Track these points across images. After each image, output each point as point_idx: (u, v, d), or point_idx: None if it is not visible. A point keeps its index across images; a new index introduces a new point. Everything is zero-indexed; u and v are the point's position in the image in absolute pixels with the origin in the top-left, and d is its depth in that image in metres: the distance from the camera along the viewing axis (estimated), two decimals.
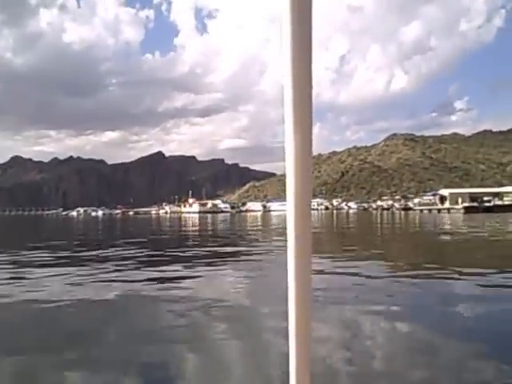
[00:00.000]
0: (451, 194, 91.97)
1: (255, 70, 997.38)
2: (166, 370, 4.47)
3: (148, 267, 11.59)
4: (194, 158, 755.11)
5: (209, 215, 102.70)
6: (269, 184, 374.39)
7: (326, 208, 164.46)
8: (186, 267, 11.50)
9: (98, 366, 4.61)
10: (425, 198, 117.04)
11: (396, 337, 5.58)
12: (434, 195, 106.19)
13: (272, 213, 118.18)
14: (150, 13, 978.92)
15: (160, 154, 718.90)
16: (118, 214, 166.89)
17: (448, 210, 78.50)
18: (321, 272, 10.11)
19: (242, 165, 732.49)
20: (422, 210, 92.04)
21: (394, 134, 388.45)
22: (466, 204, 76.51)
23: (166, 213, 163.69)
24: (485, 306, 7.03)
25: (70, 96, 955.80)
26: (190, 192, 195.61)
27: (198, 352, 4.97)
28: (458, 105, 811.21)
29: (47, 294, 8.12)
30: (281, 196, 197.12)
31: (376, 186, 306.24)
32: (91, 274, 10.33)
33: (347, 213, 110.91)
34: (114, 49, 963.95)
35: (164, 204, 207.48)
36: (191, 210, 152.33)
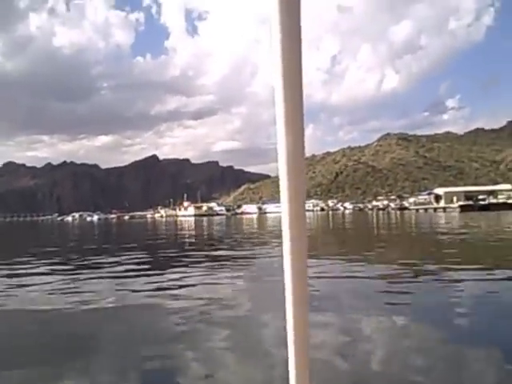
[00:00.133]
0: (446, 192, 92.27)
1: (247, 72, 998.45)
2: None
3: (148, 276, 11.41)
4: (188, 160, 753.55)
5: (204, 218, 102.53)
6: (264, 186, 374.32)
7: (322, 209, 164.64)
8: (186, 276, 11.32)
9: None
10: (420, 197, 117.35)
11: None
12: (429, 194, 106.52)
13: (268, 215, 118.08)
14: (140, 16, 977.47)
15: (154, 157, 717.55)
16: (113, 218, 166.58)
17: (444, 209, 78.74)
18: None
19: (236, 167, 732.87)
20: (417, 210, 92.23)
21: (388, 134, 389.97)
22: (461, 203, 76.78)
23: (162, 216, 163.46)
24: None
25: (61, 100, 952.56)
26: (185, 195, 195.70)
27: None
28: (450, 103, 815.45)
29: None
30: (276, 198, 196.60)
31: (371, 186, 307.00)
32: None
33: (343, 213, 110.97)
34: (105, 52, 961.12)
35: (159, 208, 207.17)
36: (187, 214, 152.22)
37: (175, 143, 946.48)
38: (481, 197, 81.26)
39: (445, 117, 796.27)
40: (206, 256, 15.86)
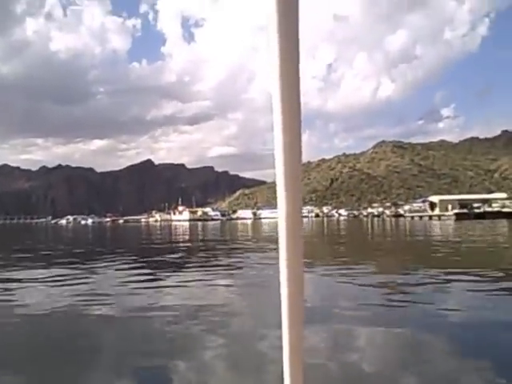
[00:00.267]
0: (441, 200, 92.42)
1: (243, 78, 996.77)
2: None
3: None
4: (183, 165, 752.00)
5: (199, 223, 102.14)
6: (259, 191, 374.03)
7: (317, 215, 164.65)
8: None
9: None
10: (415, 204, 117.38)
11: None
12: (423, 202, 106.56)
13: (263, 220, 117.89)
14: (137, 22, 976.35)
15: (149, 161, 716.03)
16: (107, 222, 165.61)
17: (439, 216, 78.79)
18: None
19: (231, 172, 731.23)
20: (412, 217, 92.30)
21: (383, 142, 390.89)
22: (456, 210, 76.86)
23: (156, 221, 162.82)
24: None
25: (57, 104, 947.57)
26: (180, 200, 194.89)
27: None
28: (445, 112, 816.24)
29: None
30: (271, 203, 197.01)
31: (366, 193, 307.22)
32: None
33: (338, 220, 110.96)
34: (101, 57, 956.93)
35: (154, 212, 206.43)
36: (181, 218, 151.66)
37: (171, 148, 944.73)
38: (475, 205, 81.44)
39: (440, 125, 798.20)
40: (201, 263, 15.71)
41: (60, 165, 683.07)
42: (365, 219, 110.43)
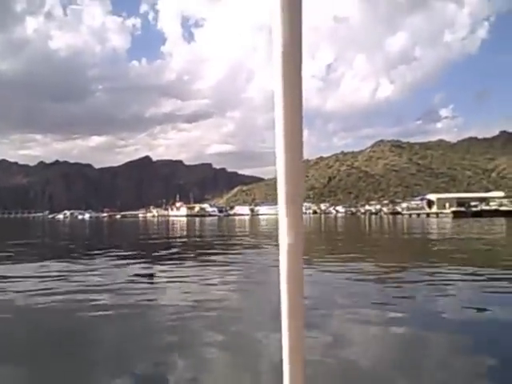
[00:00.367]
0: (439, 198, 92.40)
1: (242, 77, 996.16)
2: None
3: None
4: (181, 162, 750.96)
5: (197, 219, 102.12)
6: (257, 188, 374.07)
7: (314, 212, 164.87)
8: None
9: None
10: (412, 202, 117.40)
11: None
12: (421, 200, 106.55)
13: (260, 216, 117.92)
14: (137, 21, 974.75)
15: (148, 158, 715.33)
16: (104, 217, 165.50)
17: (436, 214, 78.83)
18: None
19: (229, 169, 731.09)
20: (410, 215, 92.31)
21: (381, 141, 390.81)
22: (454, 208, 76.90)
23: (154, 216, 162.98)
24: None
25: (56, 101, 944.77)
26: (178, 196, 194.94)
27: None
28: (444, 112, 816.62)
29: None
30: (269, 200, 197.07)
31: (363, 191, 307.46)
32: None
33: (335, 217, 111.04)
34: (101, 55, 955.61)
35: (151, 207, 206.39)
36: (179, 214, 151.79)
37: (169, 145, 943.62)
38: (473, 203, 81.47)
39: (438, 125, 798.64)
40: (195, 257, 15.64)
41: (57, 160, 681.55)
42: (362, 216, 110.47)
